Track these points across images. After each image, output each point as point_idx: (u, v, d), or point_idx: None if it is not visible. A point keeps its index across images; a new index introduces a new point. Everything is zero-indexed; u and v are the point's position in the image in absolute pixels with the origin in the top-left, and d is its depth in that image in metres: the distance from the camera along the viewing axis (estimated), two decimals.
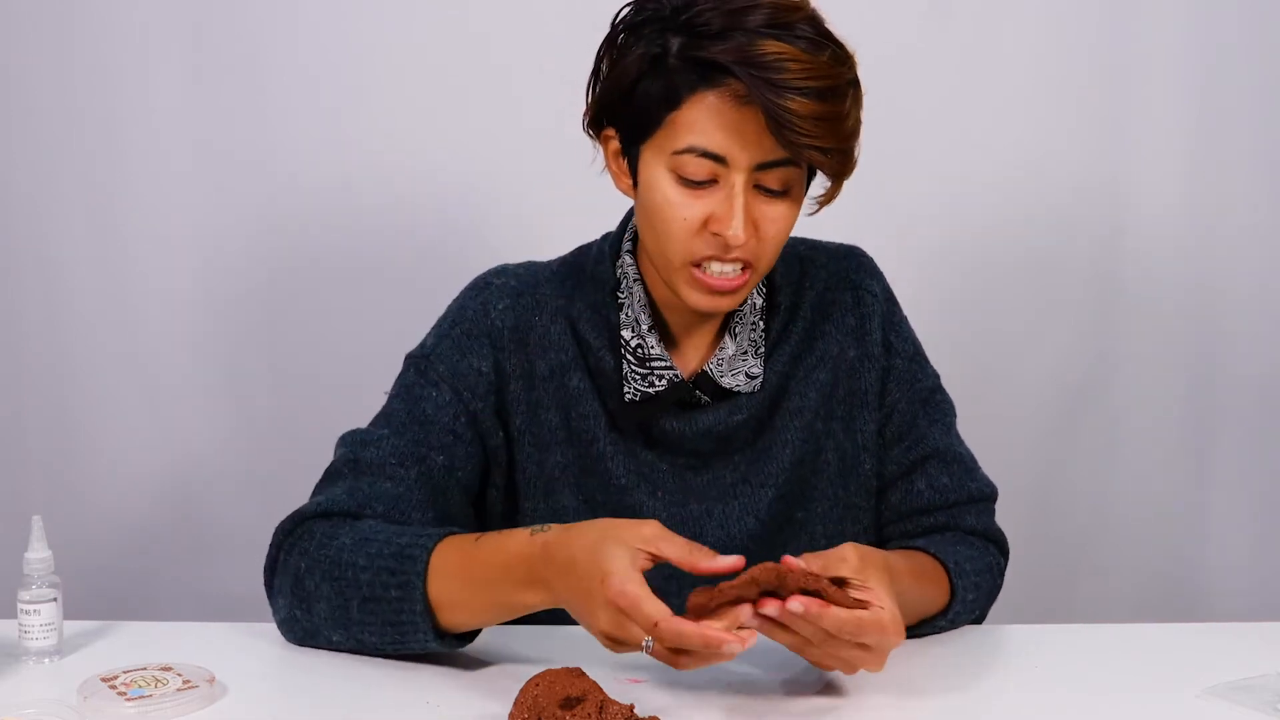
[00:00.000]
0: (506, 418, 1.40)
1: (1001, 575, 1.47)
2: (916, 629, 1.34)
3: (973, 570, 1.39)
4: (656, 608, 1.08)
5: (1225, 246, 2.26)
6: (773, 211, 1.29)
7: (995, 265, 2.25)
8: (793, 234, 1.49)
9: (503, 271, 1.45)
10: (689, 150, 1.26)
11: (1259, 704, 1.16)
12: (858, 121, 1.28)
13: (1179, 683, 1.21)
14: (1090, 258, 2.26)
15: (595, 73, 1.34)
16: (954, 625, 1.38)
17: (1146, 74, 2.22)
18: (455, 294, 1.47)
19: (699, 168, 1.26)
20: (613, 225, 1.47)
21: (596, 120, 1.36)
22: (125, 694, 1.15)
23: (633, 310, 1.39)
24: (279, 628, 1.33)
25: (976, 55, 2.22)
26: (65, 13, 2.17)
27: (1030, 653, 1.33)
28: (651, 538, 1.12)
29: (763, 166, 1.27)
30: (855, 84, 1.28)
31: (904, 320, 1.50)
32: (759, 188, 1.28)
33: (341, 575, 1.25)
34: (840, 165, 1.28)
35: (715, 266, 1.30)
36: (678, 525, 1.40)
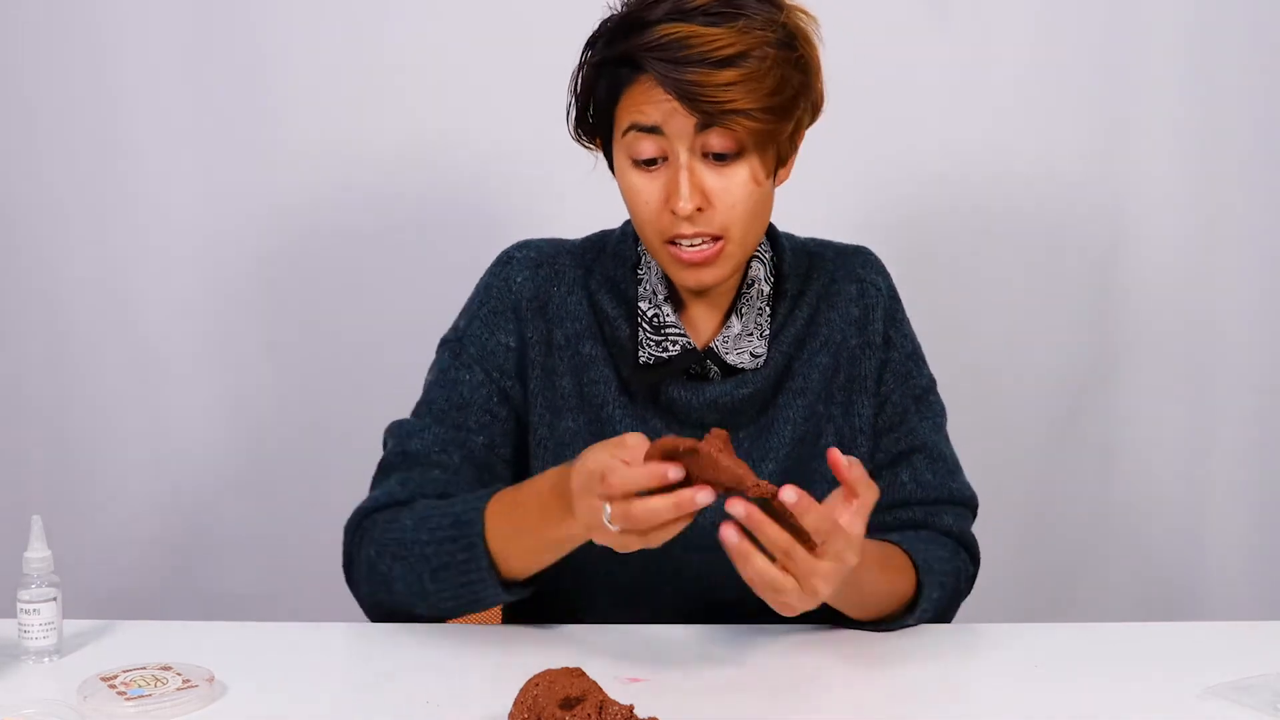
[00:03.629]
0: (525, 382, 1.46)
1: (969, 582, 1.49)
2: (876, 623, 1.36)
3: (940, 570, 1.41)
4: (623, 480, 1.12)
5: (1225, 246, 2.26)
6: (724, 180, 1.33)
7: (995, 265, 2.25)
8: (805, 234, 1.54)
9: (525, 245, 1.51)
10: (631, 129, 1.33)
11: (1259, 704, 1.16)
12: (785, 80, 1.31)
13: (1179, 683, 1.21)
14: (1090, 257, 2.26)
15: (571, 89, 1.41)
16: (917, 622, 1.39)
17: (1146, 74, 2.22)
18: (460, 294, 1.52)
19: (645, 146, 1.33)
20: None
21: (583, 130, 1.42)
22: (125, 694, 1.15)
23: (650, 284, 1.44)
24: (365, 612, 1.42)
25: (976, 54, 2.21)
26: (65, 12, 2.17)
27: (1030, 652, 1.33)
28: (628, 443, 1.16)
29: (702, 128, 1.30)
30: (781, 44, 1.31)
31: (906, 320, 1.53)
32: (709, 157, 1.32)
33: (409, 554, 1.34)
34: (773, 123, 1.30)
35: (685, 241, 1.35)
36: None
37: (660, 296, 1.43)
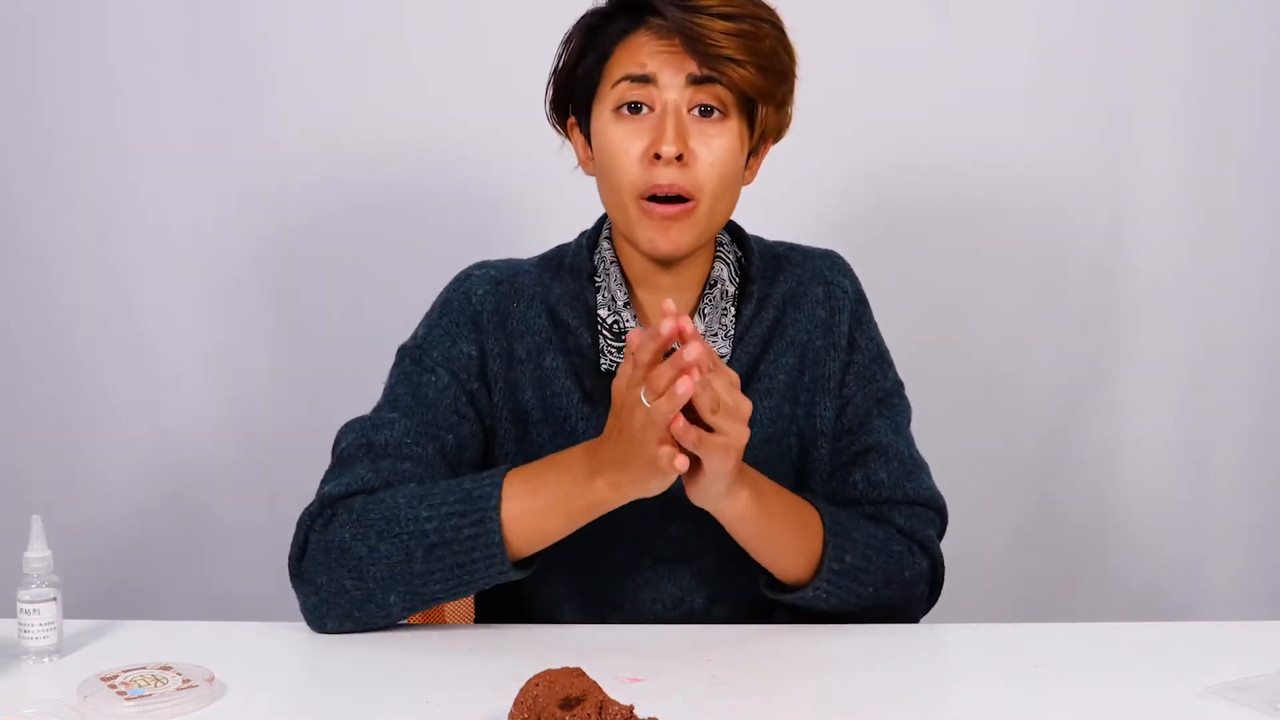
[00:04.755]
0: (490, 393, 1.45)
1: (920, 580, 1.44)
2: (797, 590, 1.36)
3: (864, 543, 1.38)
4: (639, 338, 1.22)
5: (1225, 245, 2.26)
6: (706, 139, 1.36)
7: (995, 264, 2.25)
8: (776, 239, 1.54)
9: (483, 264, 1.52)
10: (622, 80, 1.37)
11: (1259, 704, 1.15)
12: (779, 55, 1.37)
13: (1179, 683, 1.21)
14: (1090, 257, 2.26)
15: (557, 56, 1.45)
16: (838, 594, 1.37)
17: (1146, 73, 2.22)
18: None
19: (634, 93, 1.37)
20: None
21: (560, 110, 1.46)
22: (125, 693, 1.15)
23: (609, 290, 1.45)
24: (311, 614, 1.34)
25: (975, 54, 2.22)
26: (65, 11, 2.17)
27: (1031, 652, 1.33)
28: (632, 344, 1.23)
29: (694, 82, 1.35)
30: (777, 26, 1.39)
31: (872, 323, 1.53)
32: (695, 112, 1.36)
33: (403, 530, 1.30)
34: (760, 80, 1.35)
35: (661, 193, 1.36)
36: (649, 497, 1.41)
37: (620, 303, 1.44)
